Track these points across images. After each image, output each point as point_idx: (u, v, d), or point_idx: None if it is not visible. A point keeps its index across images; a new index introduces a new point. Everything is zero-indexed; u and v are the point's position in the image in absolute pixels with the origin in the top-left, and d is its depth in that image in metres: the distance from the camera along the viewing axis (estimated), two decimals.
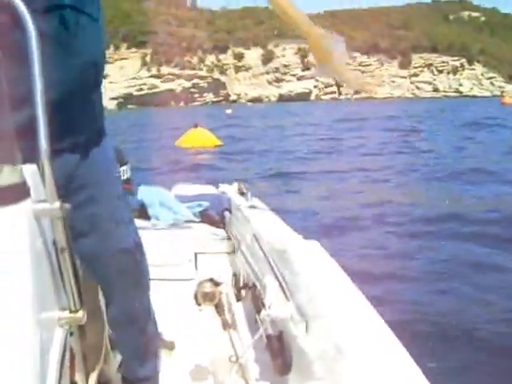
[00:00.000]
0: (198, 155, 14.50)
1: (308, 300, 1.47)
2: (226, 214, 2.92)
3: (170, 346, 2.13)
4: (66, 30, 1.19)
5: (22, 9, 0.92)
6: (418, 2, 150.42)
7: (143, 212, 3.04)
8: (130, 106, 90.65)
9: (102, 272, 1.42)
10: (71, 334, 1.04)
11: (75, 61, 1.21)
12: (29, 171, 0.95)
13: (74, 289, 0.99)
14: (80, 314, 1.00)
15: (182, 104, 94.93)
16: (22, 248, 0.85)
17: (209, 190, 3.39)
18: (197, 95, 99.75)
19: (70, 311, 1.00)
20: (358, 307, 1.35)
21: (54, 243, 0.96)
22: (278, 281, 1.72)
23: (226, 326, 2.31)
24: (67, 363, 1.00)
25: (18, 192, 0.88)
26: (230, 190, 3.00)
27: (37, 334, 0.85)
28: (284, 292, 1.66)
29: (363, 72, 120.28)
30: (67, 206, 0.94)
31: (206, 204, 3.09)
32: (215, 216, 3.01)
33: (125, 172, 2.98)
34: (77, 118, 1.25)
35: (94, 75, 1.31)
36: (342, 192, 8.79)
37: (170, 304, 2.24)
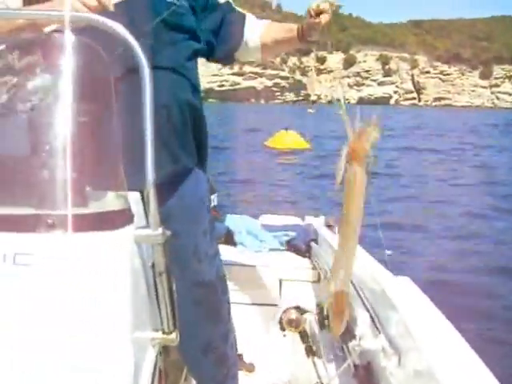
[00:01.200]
0: (288, 156, 15.18)
1: (400, 333, 1.50)
2: (313, 244, 2.94)
3: (250, 368, 2.21)
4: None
5: (137, 48, 0.97)
6: (502, 15, 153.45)
7: (230, 238, 3.03)
8: (210, 100, 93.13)
9: (179, 302, 1.37)
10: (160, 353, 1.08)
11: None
12: (133, 198, 1.01)
13: (169, 311, 1.02)
14: (173, 335, 1.03)
15: (262, 101, 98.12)
16: (123, 270, 0.89)
17: (295, 221, 3.39)
18: (277, 94, 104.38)
19: (164, 332, 1.02)
20: (453, 343, 1.35)
21: (153, 266, 1.00)
22: (369, 313, 1.76)
23: (309, 352, 2.33)
24: (157, 382, 1.04)
25: (123, 217, 0.93)
26: (317, 222, 3.09)
27: (132, 353, 0.87)
28: (375, 324, 1.70)
29: (444, 81, 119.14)
30: (168, 232, 0.98)
31: (292, 234, 3.08)
32: (301, 246, 2.99)
33: (213, 201, 2.99)
34: (161, 154, 1.23)
35: (165, 116, 1.39)
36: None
37: (253, 327, 2.30)
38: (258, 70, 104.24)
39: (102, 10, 1.16)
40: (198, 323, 1.48)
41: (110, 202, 0.97)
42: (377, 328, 1.68)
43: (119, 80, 1.12)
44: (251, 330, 2.00)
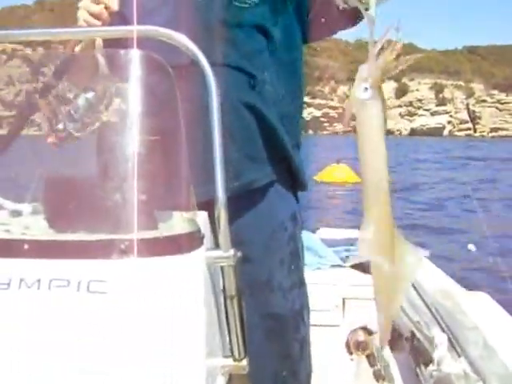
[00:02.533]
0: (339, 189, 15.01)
1: (483, 356, 1.42)
2: None
3: None
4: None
5: (205, 63, 0.96)
6: None
7: None
8: None
9: (249, 331, 1.29)
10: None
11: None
12: (202, 218, 1.01)
13: (239, 337, 1.00)
14: (244, 362, 1.00)
15: (310, 132, 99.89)
16: (197, 295, 0.89)
17: (355, 234, 3.23)
18: (326, 124, 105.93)
19: (234, 359, 1.00)
20: None
21: (223, 290, 0.98)
22: (446, 334, 1.67)
23: (379, 377, 2.21)
24: None
25: (194, 239, 0.93)
26: None
27: (203, 381, 0.87)
28: (454, 346, 1.60)
29: (501, 110, 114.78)
30: (239, 254, 0.96)
31: (353, 249, 2.96)
32: (365, 262, 2.79)
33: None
34: (231, 164, 1.13)
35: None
36: None
37: (315, 350, 2.13)
38: (306, 99, 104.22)
39: (109, 14, 1.21)
40: (266, 354, 1.43)
41: (180, 223, 0.97)
42: (456, 351, 1.60)
43: (183, 92, 1.09)
44: (313, 352, 1.89)
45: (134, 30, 0.98)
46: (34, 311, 0.84)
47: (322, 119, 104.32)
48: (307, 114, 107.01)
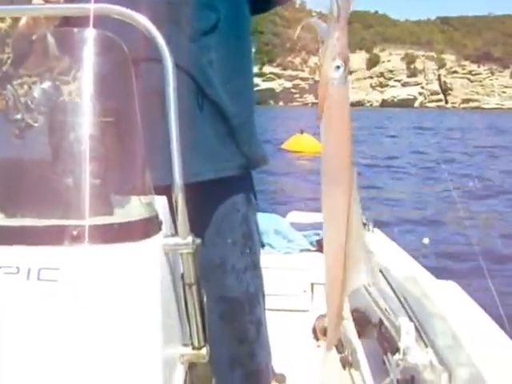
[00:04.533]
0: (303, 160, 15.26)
1: (450, 347, 1.42)
2: None
3: (281, 379, 2.14)
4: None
5: (159, 38, 0.95)
6: None
7: None
8: None
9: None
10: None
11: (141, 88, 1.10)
12: (160, 204, 0.97)
13: (199, 325, 0.98)
14: (204, 351, 0.99)
15: (281, 103, 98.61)
16: (152, 283, 0.87)
17: None
18: (297, 95, 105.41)
19: (194, 348, 0.99)
20: (510, 355, 1.28)
21: (182, 278, 0.96)
22: (413, 322, 1.67)
23: (346, 364, 2.22)
24: None
25: (151, 226, 0.90)
26: None
27: (161, 370, 0.86)
28: (421, 336, 1.61)
29: (472, 81, 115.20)
30: (198, 240, 0.95)
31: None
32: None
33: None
34: (191, 150, 1.18)
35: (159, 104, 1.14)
36: None
37: (283, 335, 2.19)
38: (277, 70, 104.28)
39: None
40: (222, 338, 1.41)
41: (136, 208, 0.94)
42: (423, 340, 1.60)
43: (140, 73, 1.10)
44: (281, 337, 1.91)
45: (91, 8, 0.97)
46: None
47: (293, 90, 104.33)
48: (278, 85, 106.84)
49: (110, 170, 0.95)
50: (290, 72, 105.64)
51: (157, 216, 0.94)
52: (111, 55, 1.01)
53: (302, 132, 17.55)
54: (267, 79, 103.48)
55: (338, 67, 1.06)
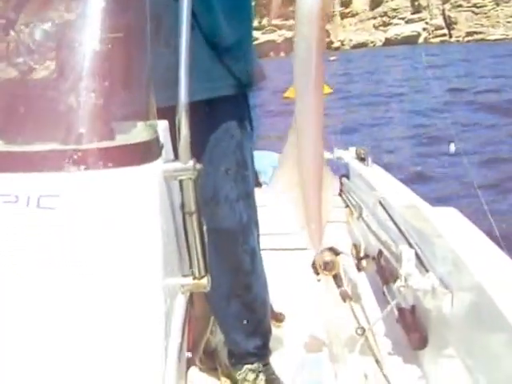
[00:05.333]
0: None
1: (451, 271, 1.46)
2: (344, 180, 2.90)
3: (280, 318, 2.22)
4: None
5: None
6: None
7: (255, 179, 2.76)
8: None
9: None
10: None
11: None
12: (162, 128, 0.97)
13: (199, 254, 1.01)
14: (205, 280, 1.01)
15: (282, 54, 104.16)
16: (152, 211, 0.87)
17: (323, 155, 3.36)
18: None
19: (194, 277, 1.01)
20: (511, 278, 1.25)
21: (182, 205, 0.97)
22: (414, 249, 1.73)
23: (346, 297, 2.25)
24: (187, 331, 1.02)
25: (151, 150, 0.90)
26: (347, 156, 3.01)
27: (162, 299, 0.87)
28: (422, 262, 1.66)
29: (477, 14, 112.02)
30: (199, 166, 0.94)
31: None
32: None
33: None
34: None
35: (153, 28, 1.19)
36: None
37: (282, 274, 2.33)
38: (277, 22, 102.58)
39: None
40: (218, 270, 1.41)
41: (138, 132, 0.92)
42: (424, 266, 1.59)
43: None
44: (279, 277, 1.88)
45: None
46: None
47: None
48: (278, 36, 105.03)
49: (113, 91, 0.92)
50: (291, 22, 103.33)
51: (157, 139, 0.92)
52: None
53: None
54: (267, 32, 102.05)
55: None
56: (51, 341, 0.82)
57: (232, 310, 1.60)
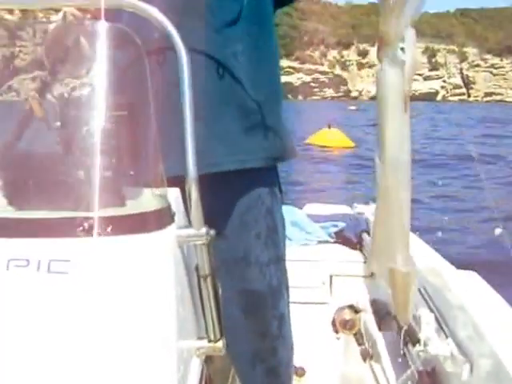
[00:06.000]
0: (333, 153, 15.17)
1: (471, 337, 1.44)
2: (364, 235, 2.83)
3: (300, 373, 2.18)
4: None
5: (176, 37, 0.96)
6: None
7: None
8: None
9: (227, 309, 1.18)
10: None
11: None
12: (173, 195, 1.00)
13: (215, 317, 0.99)
14: (220, 343, 1.00)
15: (300, 98, 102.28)
16: (167, 276, 0.88)
17: (343, 210, 3.30)
18: (316, 90, 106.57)
19: (209, 341, 1.00)
20: None
21: (196, 269, 0.98)
22: (434, 313, 1.70)
23: (366, 356, 2.25)
24: None
25: (164, 217, 0.92)
26: (368, 211, 2.95)
27: (176, 363, 0.87)
28: (441, 326, 1.63)
29: (495, 75, 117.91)
30: (212, 232, 0.96)
31: (341, 224, 2.99)
32: (352, 237, 2.91)
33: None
34: (203, 140, 1.10)
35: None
36: None
37: (301, 328, 2.14)
38: (295, 64, 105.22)
39: None
40: (244, 333, 1.44)
41: (149, 200, 0.94)
42: (443, 331, 1.62)
43: (156, 64, 1.18)
44: (299, 331, 1.89)
45: (102, 0, 0.95)
46: None
47: (312, 84, 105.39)
48: (296, 79, 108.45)
49: (122, 162, 0.95)
50: (308, 66, 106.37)
51: (169, 207, 0.94)
52: (125, 48, 1.03)
53: (329, 126, 17.46)
54: (285, 73, 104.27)
55: (403, 49, 0.96)
56: None
57: (256, 373, 1.51)
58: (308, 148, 15.66)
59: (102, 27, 0.95)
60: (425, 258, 2.05)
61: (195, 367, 0.97)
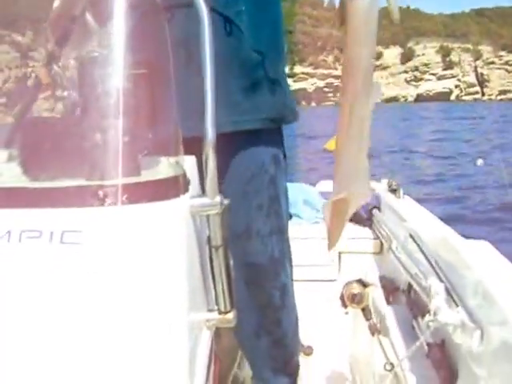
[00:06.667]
0: None
1: (482, 305, 1.44)
2: (375, 211, 2.85)
3: (307, 351, 2.18)
4: None
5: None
6: None
7: None
8: None
9: None
10: None
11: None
12: (189, 163, 0.98)
13: (226, 289, 0.99)
14: (230, 315, 1.00)
15: (313, 104, 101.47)
16: (178, 246, 0.88)
17: None
18: (330, 95, 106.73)
19: (220, 312, 0.99)
20: None
21: (209, 239, 0.97)
22: (444, 283, 1.69)
23: (374, 331, 2.25)
24: (213, 367, 1.01)
25: (178, 185, 0.90)
26: (379, 187, 2.95)
27: (187, 335, 0.87)
28: (452, 296, 1.62)
29: (509, 72, 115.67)
30: (226, 201, 0.94)
31: None
32: (362, 214, 2.90)
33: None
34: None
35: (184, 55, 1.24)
36: None
37: (310, 306, 2.20)
38: (309, 70, 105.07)
39: None
40: (247, 305, 1.43)
41: (164, 168, 0.94)
42: (453, 300, 1.58)
43: (173, 21, 1.15)
44: (308, 308, 1.88)
45: None
46: (4, 264, 0.81)
47: (326, 89, 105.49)
48: (310, 84, 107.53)
49: (139, 127, 0.93)
50: (322, 71, 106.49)
51: (184, 175, 0.93)
52: (142, 5, 1.00)
53: None
54: (299, 79, 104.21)
55: None
56: (75, 375, 0.81)
57: (261, 345, 1.55)
58: (325, 155, 15.48)
59: None
60: (435, 232, 2.03)
61: (205, 339, 0.98)
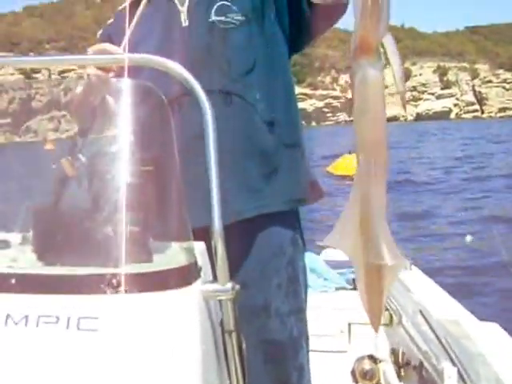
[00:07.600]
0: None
1: None
2: None
3: None
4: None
5: (199, 90, 0.97)
6: None
7: None
8: None
9: (248, 358, 1.17)
10: None
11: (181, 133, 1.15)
12: (199, 249, 1.00)
13: (239, 372, 1.00)
14: None
15: (313, 123, 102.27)
16: (192, 332, 0.89)
17: None
18: (329, 115, 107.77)
19: None
20: None
21: (221, 324, 0.98)
22: (456, 367, 1.68)
23: None
24: None
25: (190, 273, 0.93)
26: None
27: None
28: (464, 380, 1.62)
29: (508, 90, 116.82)
30: (237, 287, 0.96)
31: None
32: None
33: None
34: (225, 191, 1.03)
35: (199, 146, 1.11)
36: None
37: (320, 378, 2.12)
38: (307, 91, 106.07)
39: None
40: (263, 382, 1.43)
41: (175, 255, 0.97)
42: None
43: (179, 116, 1.23)
44: (318, 380, 1.91)
45: (126, 58, 1.00)
46: (21, 349, 0.82)
47: (325, 110, 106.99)
48: (309, 105, 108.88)
49: (148, 217, 0.97)
50: (320, 91, 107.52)
51: (196, 263, 0.95)
52: (150, 104, 1.05)
53: (350, 152, 15.83)
54: (298, 100, 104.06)
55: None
56: None
57: None
58: (328, 177, 15.38)
59: (126, 84, 0.99)
60: (445, 308, 2.03)
61: None
